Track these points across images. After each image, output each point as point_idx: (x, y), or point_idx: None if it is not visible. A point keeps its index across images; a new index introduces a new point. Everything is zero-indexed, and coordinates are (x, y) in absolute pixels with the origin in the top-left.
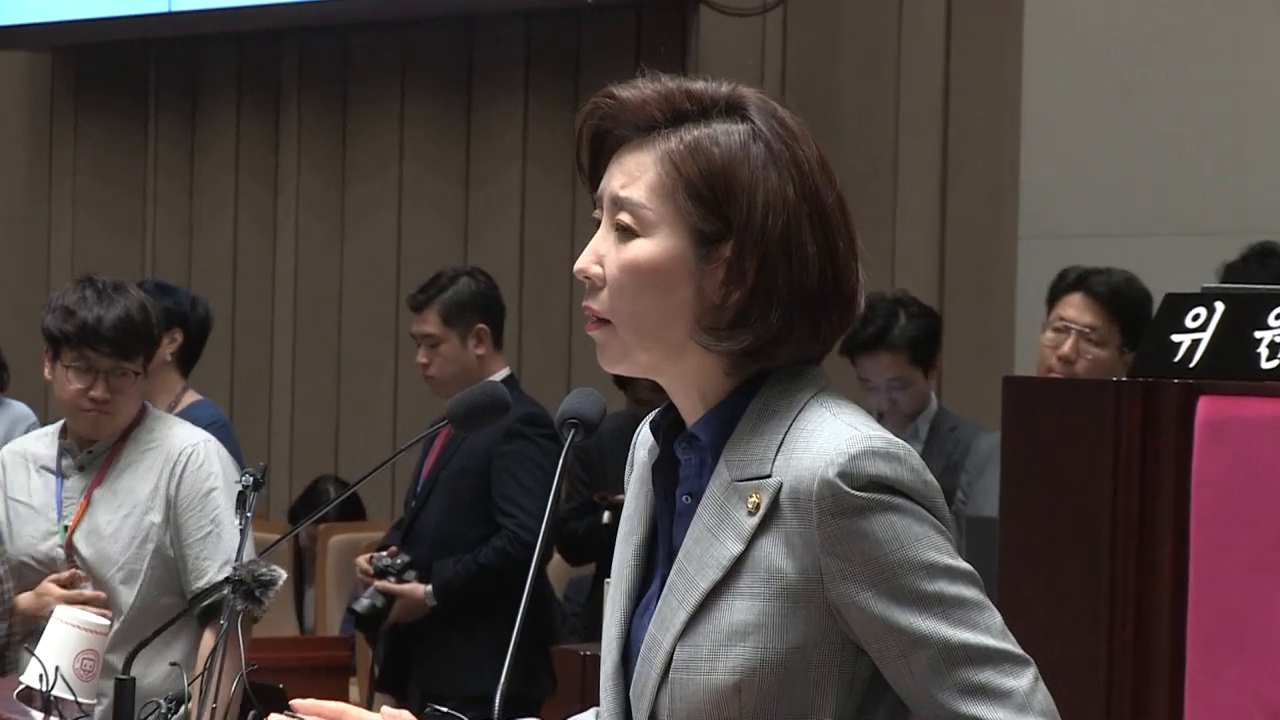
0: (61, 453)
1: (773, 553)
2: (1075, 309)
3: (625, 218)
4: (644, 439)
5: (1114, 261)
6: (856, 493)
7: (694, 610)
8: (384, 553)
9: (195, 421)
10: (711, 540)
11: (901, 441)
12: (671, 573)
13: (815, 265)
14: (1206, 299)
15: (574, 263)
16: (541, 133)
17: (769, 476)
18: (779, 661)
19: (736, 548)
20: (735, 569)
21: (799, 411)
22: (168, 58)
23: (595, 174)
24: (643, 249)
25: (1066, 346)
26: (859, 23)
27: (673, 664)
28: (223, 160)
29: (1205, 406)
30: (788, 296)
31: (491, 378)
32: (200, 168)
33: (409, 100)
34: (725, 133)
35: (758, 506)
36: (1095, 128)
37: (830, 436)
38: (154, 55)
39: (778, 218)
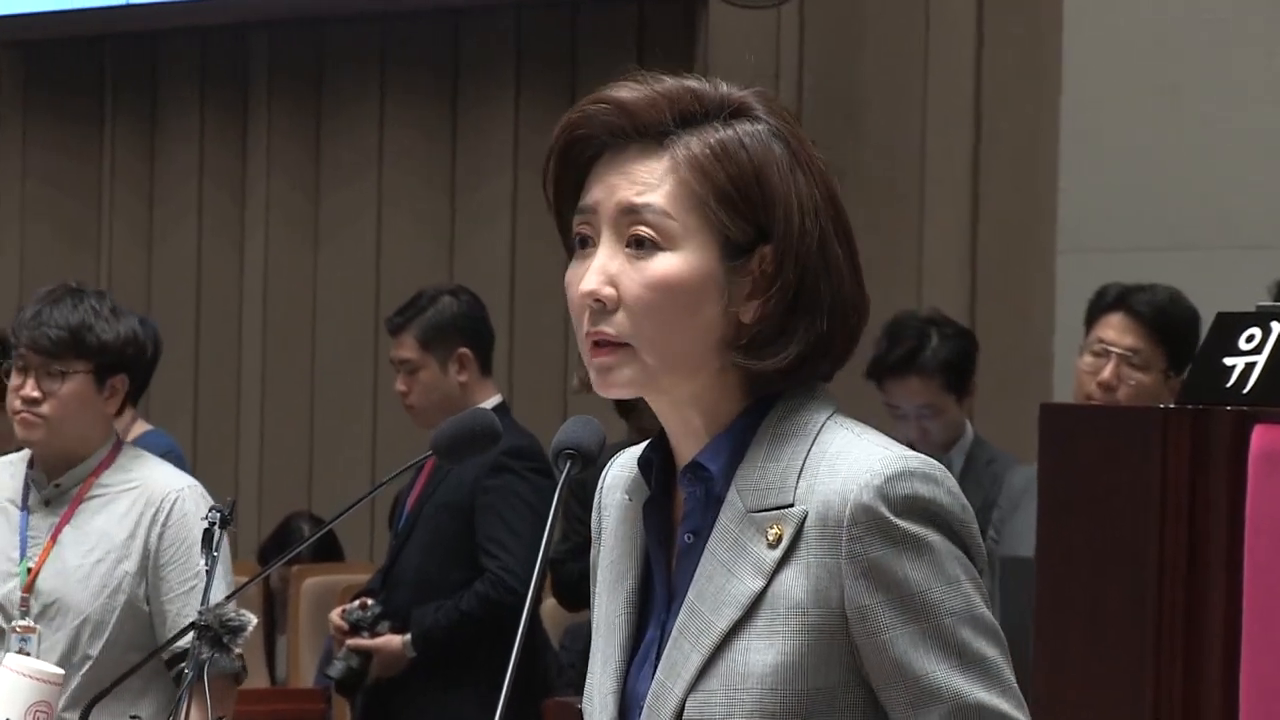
0: (28, 485)
1: (794, 586)
2: (1116, 330)
3: (644, 230)
4: (613, 481)
5: (1160, 277)
6: (894, 519)
7: (710, 653)
8: (354, 604)
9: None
10: (727, 576)
11: (937, 462)
12: (681, 614)
13: (846, 271)
14: (1261, 318)
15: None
16: (534, 135)
17: (791, 506)
18: (799, 704)
19: (756, 583)
20: (754, 607)
21: (817, 433)
22: (125, 54)
23: (563, 191)
24: (672, 264)
25: (1106, 372)
26: (882, 13)
27: (685, 712)
28: (185, 165)
29: (1260, 436)
30: (830, 306)
31: (481, 405)
32: (160, 173)
33: (389, 99)
34: (748, 134)
35: (779, 539)
36: (1142, 129)
37: (861, 458)
38: (110, 51)
39: (814, 223)
